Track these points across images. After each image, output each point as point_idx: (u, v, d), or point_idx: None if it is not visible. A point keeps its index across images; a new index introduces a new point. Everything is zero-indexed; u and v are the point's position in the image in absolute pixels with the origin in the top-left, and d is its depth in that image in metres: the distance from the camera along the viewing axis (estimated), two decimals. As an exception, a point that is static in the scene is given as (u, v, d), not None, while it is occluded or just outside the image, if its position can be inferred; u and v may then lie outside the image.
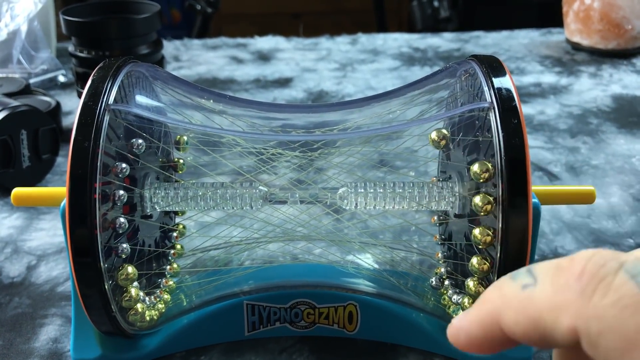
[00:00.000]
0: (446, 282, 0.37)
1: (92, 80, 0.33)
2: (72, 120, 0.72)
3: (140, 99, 0.36)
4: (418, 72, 0.89)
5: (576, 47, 0.95)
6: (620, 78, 0.84)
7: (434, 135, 0.34)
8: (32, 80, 0.79)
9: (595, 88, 0.81)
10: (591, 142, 0.66)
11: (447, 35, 1.06)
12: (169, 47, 1.00)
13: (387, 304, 0.38)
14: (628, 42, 0.90)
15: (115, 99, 0.32)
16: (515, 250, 0.30)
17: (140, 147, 0.34)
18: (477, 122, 0.33)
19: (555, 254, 0.47)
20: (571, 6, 0.93)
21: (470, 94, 0.34)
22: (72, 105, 0.76)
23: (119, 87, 0.33)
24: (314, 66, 0.91)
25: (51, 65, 0.83)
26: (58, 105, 0.67)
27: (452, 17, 1.42)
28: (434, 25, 1.42)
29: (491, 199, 0.31)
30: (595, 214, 0.52)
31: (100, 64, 0.34)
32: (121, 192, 0.32)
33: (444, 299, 0.37)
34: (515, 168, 0.30)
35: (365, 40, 1.04)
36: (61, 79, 0.84)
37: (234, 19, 2.21)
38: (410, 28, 1.69)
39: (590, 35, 0.92)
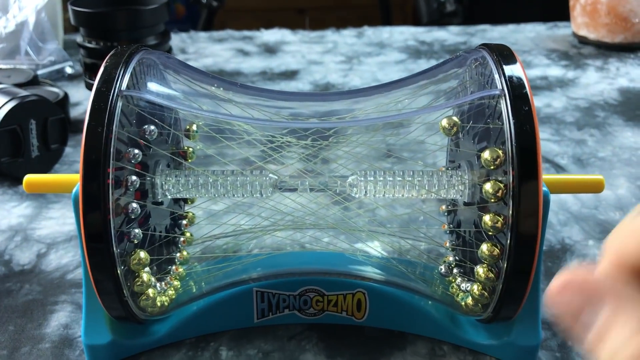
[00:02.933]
0: (454, 271, 0.38)
1: (105, 67, 0.33)
2: (80, 111, 0.72)
3: (152, 86, 0.36)
4: (424, 65, 0.89)
5: (583, 40, 0.95)
6: (627, 72, 0.84)
7: (444, 122, 0.34)
8: (39, 72, 0.80)
9: (602, 81, 0.81)
10: (598, 135, 0.66)
11: (454, 28, 1.06)
12: (175, 40, 1.00)
13: (396, 291, 0.38)
14: (635, 36, 0.90)
15: (127, 85, 0.33)
16: (526, 236, 0.30)
17: (152, 133, 0.34)
18: (487, 110, 0.33)
19: (563, 245, 0.47)
20: (578, 0, 0.93)
21: (481, 82, 0.35)
22: (80, 96, 0.76)
23: (131, 73, 0.33)
24: (320, 59, 0.91)
25: (58, 56, 0.83)
26: (66, 96, 0.67)
27: (457, 12, 1.41)
28: (440, 20, 1.42)
29: (502, 185, 0.31)
30: (602, 206, 0.52)
31: (113, 51, 0.34)
32: (134, 177, 0.32)
33: (453, 287, 0.37)
34: (526, 155, 0.30)
35: (372, 33, 1.04)
36: (68, 70, 0.84)
37: (238, 14, 2.21)
38: (415, 23, 1.69)
39: (597, 28, 0.92)
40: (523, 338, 0.36)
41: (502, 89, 0.31)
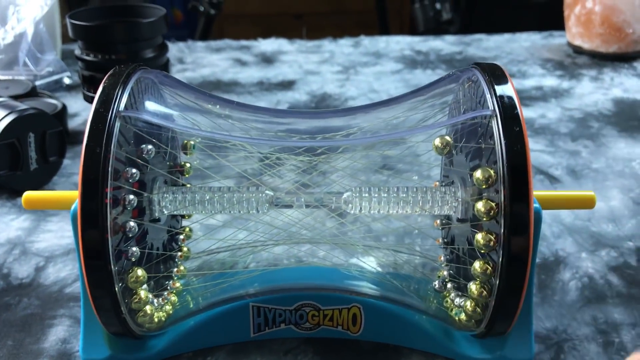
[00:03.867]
0: (449, 285, 0.38)
1: (103, 88, 0.33)
2: (78, 122, 0.73)
3: (150, 105, 0.36)
4: (420, 75, 0.89)
5: (577, 50, 0.95)
6: (622, 82, 0.85)
7: (437, 142, 0.35)
8: (38, 83, 0.80)
9: (596, 92, 0.82)
10: (592, 146, 0.67)
11: (449, 38, 1.07)
12: (173, 49, 1.00)
13: (391, 306, 0.39)
14: (629, 46, 0.91)
15: (125, 105, 0.33)
16: (518, 254, 0.31)
17: (149, 152, 0.34)
18: (479, 129, 0.34)
19: (556, 257, 0.48)
20: (572, 10, 0.94)
21: (473, 101, 0.35)
22: (78, 107, 0.77)
23: (129, 93, 0.34)
24: (317, 69, 0.92)
25: (57, 67, 0.84)
26: (64, 107, 0.67)
27: (454, 20, 1.42)
28: (436, 28, 1.42)
29: (493, 204, 0.31)
30: (595, 218, 0.53)
31: (111, 71, 0.35)
32: (131, 196, 0.33)
33: (447, 301, 0.37)
34: (517, 175, 0.30)
35: (368, 43, 1.05)
36: (67, 81, 0.84)
37: (236, 20, 2.22)
38: (412, 29, 1.70)
39: (591, 38, 0.92)
40: (516, 352, 0.37)
41: (494, 109, 0.32)
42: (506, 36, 1.06)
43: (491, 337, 0.36)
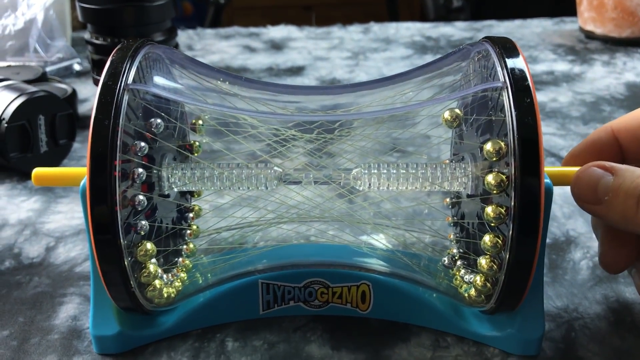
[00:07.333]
0: (458, 263, 0.38)
1: (112, 61, 0.33)
2: (87, 107, 0.73)
3: (158, 79, 0.36)
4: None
5: (590, 35, 0.94)
6: (634, 66, 0.84)
7: (447, 114, 0.35)
8: (48, 69, 0.81)
9: (608, 76, 0.81)
10: (604, 129, 0.66)
11: (460, 24, 1.06)
12: (183, 37, 1.00)
13: (400, 283, 0.39)
14: (642, 30, 0.90)
15: (133, 79, 0.33)
16: (528, 227, 0.30)
17: (158, 126, 0.34)
18: (490, 102, 0.34)
19: (567, 237, 0.48)
20: (585, -6, 0.93)
21: (483, 74, 0.35)
22: (88, 92, 0.77)
23: (137, 68, 0.34)
24: (327, 55, 0.92)
25: (67, 53, 0.84)
26: (74, 92, 0.68)
27: (464, 7, 1.41)
28: (447, 16, 1.42)
29: (504, 177, 0.31)
30: (607, 199, 0.52)
31: (119, 46, 0.35)
32: (140, 170, 0.33)
33: (456, 278, 0.37)
34: (528, 146, 0.30)
35: (378, 29, 1.04)
36: (76, 67, 0.85)
37: (245, 11, 2.22)
38: (423, 19, 1.69)
39: (604, 23, 0.91)
40: (526, 329, 0.36)
41: (505, 82, 0.32)
42: (517, 22, 1.06)
43: (501, 313, 0.36)
